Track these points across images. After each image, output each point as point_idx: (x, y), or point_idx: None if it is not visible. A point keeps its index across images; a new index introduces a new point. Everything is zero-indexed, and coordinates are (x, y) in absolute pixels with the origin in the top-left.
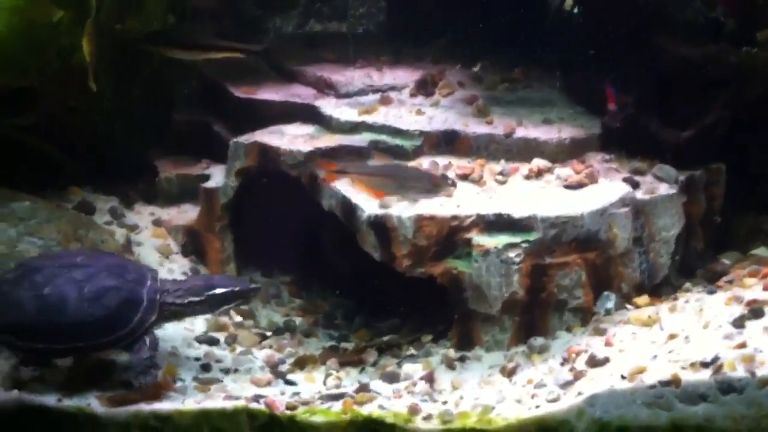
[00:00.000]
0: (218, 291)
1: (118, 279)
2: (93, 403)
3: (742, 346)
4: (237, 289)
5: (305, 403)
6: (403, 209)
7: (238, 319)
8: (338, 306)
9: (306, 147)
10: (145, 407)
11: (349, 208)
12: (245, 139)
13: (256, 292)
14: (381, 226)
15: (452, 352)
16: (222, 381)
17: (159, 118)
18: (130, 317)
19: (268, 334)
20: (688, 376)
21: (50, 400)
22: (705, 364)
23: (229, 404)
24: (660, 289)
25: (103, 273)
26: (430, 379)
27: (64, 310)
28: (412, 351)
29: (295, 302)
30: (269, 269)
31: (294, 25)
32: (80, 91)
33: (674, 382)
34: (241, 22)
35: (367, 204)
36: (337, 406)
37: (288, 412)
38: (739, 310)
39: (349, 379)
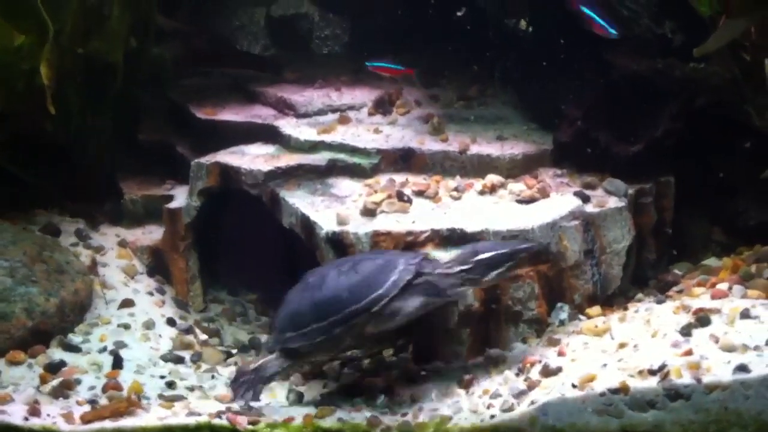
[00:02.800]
0: (485, 255)
1: (376, 255)
2: (59, 421)
3: (689, 353)
4: (505, 250)
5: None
6: (359, 225)
7: (204, 337)
8: None
9: (266, 166)
10: (109, 425)
11: (308, 225)
12: (206, 159)
13: (528, 250)
14: (339, 242)
15: (412, 365)
16: (186, 398)
17: (126, 140)
18: (383, 280)
19: (234, 351)
20: (637, 384)
21: (17, 418)
22: (652, 372)
23: (192, 420)
24: (613, 299)
25: (367, 253)
26: (390, 391)
27: (322, 287)
28: (374, 365)
29: (262, 320)
30: (236, 287)
31: (261, 47)
32: (47, 113)
33: (623, 389)
34: (211, 42)
35: (325, 221)
36: (298, 419)
37: (250, 427)
38: (686, 318)
39: (310, 393)
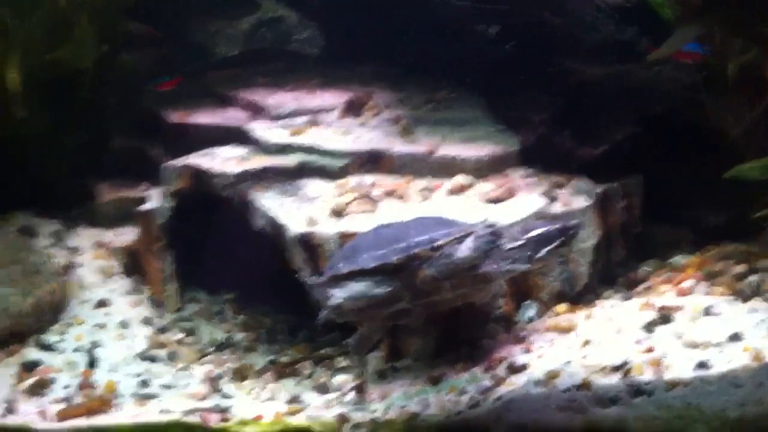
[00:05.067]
0: (536, 232)
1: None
2: (34, 418)
3: (651, 350)
4: (557, 226)
5: None
6: (328, 226)
7: (179, 336)
8: (281, 321)
9: (237, 168)
10: (83, 422)
11: (277, 226)
12: (177, 162)
13: (577, 228)
14: (307, 243)
15: (383, 363)
16: (160, 396)
17: (96, 144)
18: (455, 224)
19: (209, 350)
20: (599, 380)
21: None
22: (615, 368)
23: (164, 418)
24: (581, 297)
25: None
26: (360, 389)
27: (388, 226)
28: (345, 362)
29: (238, 318)
30: (213, 287)
31: (239, 51)
32: (16, 119)
33: (585, 386)
34: (186, 48)
35: (294, 222)
36: (268, 417)
37: (221, 424)
38: (650, 315)
39: (283, 391)
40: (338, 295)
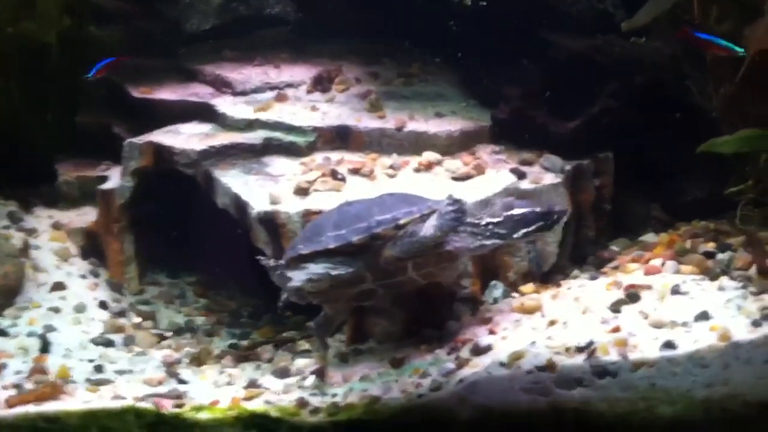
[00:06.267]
0: (517, 212)
1: None
2: None
3: (616, 330)
4: (539, 210)
5: None
6: (292, 205)
7: (137, 320)
8: (246, 304)
9: (200, 146)
10: (33, 409)
11: (240, 205)
12: (139, 139)
13: (562, 214)
14: (270, 222)
15: (345, 346)
16: (114, 382)
17: (64, 121)
18: (419, 201)
19: (168, 334)
20: (564, 361)
21: None
22: (580, 349)
23: (116, 404)
24: (550, 276)
25: None
26: (320, 373)
27: (351, 205)
28: (308, 346)
29: (200, 302)
30: (175, 270)
31: (211, 26)
32: None
33: (549, 367)
34: (159, 23)
35: (258, 201)
36: (224, 402)
37: (174, 410)
38: (617, 295)
39: (242, 376)
40: (298, 277)
